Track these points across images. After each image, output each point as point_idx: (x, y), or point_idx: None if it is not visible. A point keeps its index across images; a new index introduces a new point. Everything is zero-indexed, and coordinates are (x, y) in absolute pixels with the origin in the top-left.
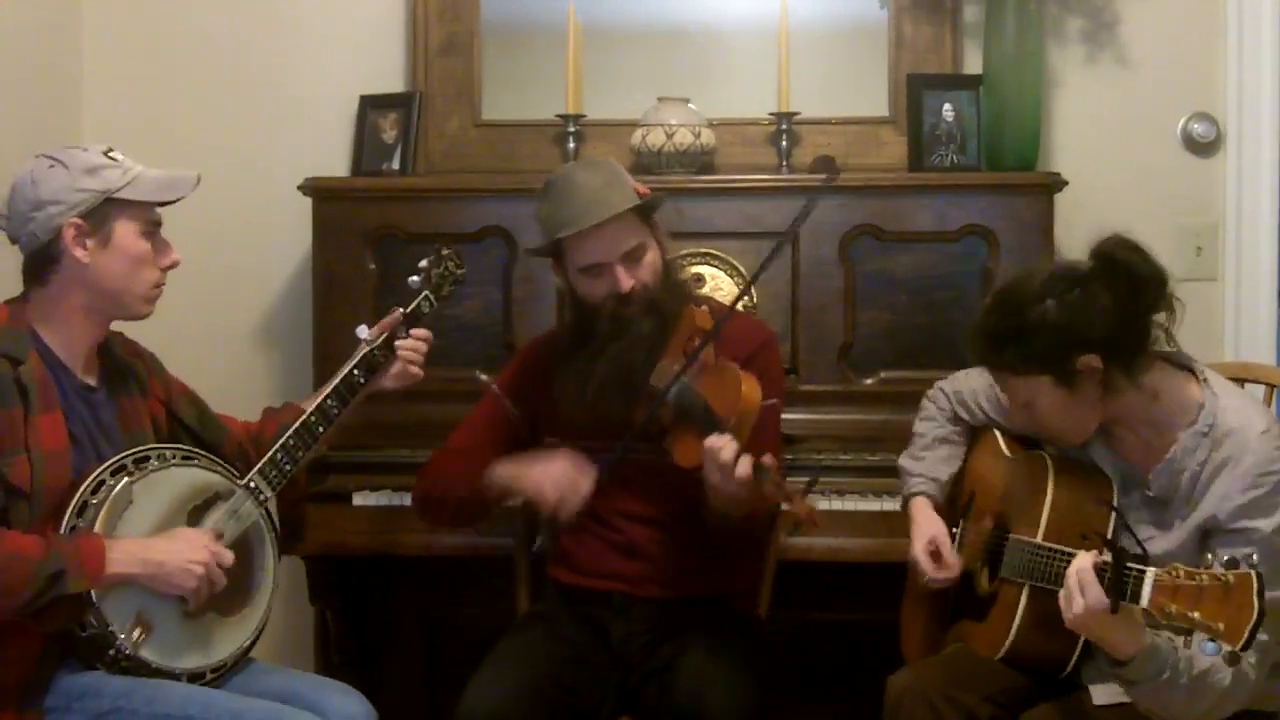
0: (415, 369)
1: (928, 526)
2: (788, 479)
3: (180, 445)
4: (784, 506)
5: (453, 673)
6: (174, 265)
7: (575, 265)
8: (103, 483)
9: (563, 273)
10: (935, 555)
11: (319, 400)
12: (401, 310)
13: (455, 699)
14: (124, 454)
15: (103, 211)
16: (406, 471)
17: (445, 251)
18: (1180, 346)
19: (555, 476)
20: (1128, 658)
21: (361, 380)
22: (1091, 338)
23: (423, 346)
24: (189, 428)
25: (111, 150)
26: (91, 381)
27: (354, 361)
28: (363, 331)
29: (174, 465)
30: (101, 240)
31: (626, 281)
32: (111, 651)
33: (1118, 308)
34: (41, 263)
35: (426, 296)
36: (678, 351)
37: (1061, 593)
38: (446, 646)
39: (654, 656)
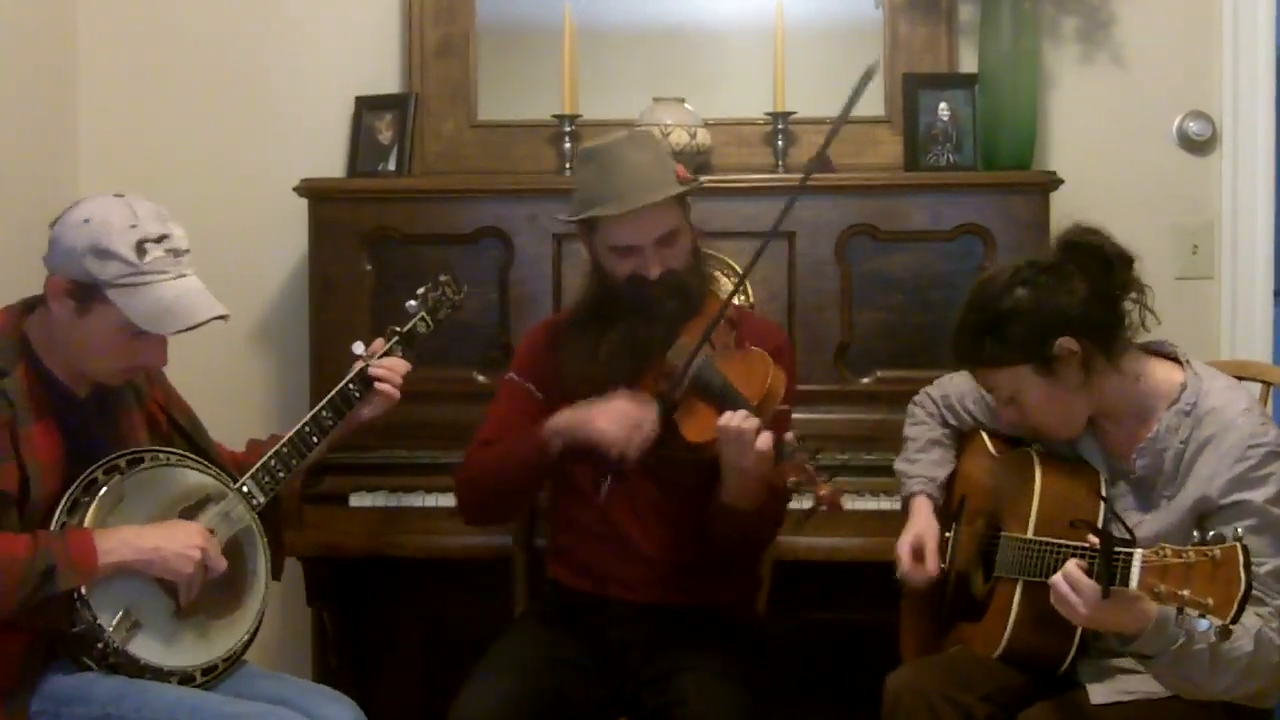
0: (391, 389)
1: (918, 524)
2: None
3: (174, 449)
4: (801, 485)
5: (450, 673)
6: (153, 367)
7: (607, 243)
8: (94, 480)
9: (589, 243)
10: (918, 554)
11: (315, 410)
12: (397, 329)
13: (452, 700)
14: (117, 454)
15: (88, 291)
16: (403, 472)
17: (444, 278)
18: (1159, 323)
19: (618, 415)
20: (1139, 631)
21: (357, 394)
22: (1066, 320)
23: (400, 366)
24: (186, 433)
25: (157, 242)
26: (83, 393)
27: (350, 375)
28: (359, 348)
29: (167, 465)
30: (80, 311)
31: (656, 268)
32: (100, 646)
33: (1089, 287)
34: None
35: (423, 318)
36: (698, 333)
37: (1055, 599)
38: (443, 647)
39: (651, 663)
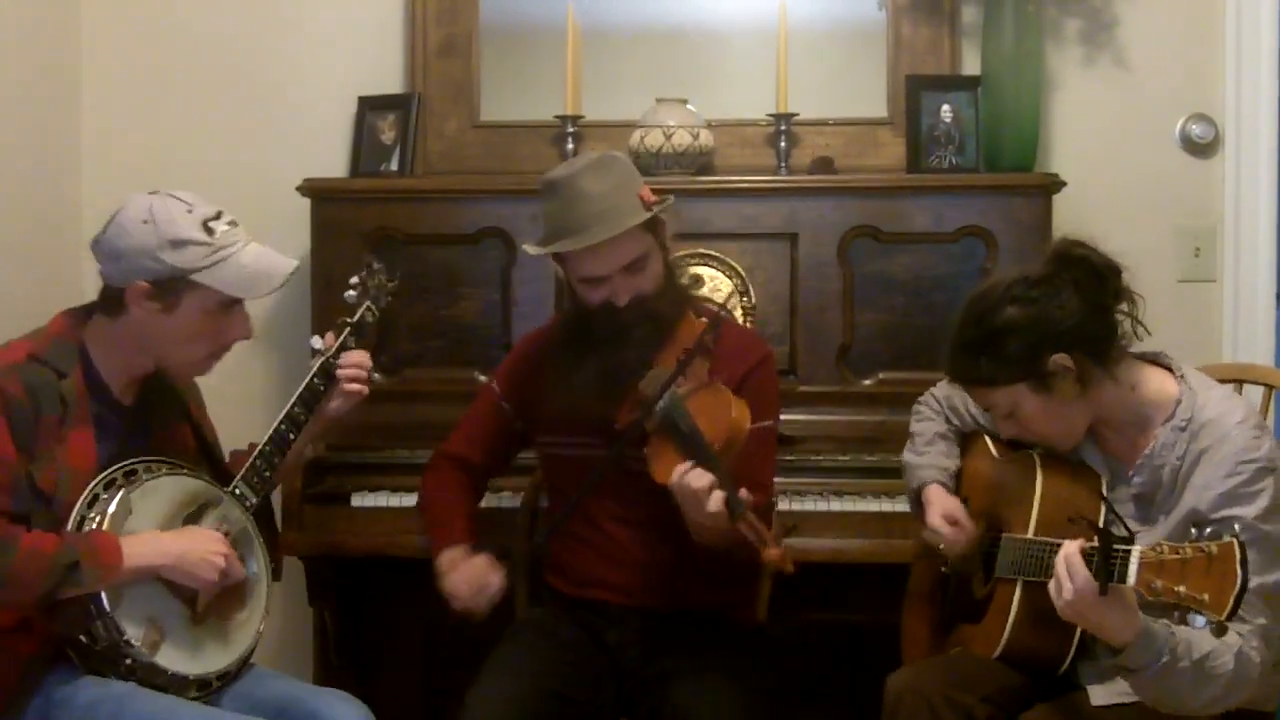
0: (359, 386)
1: (943, 503)
2: (775, 509)
3: (164, 459)
4: (753, 545)
5: (450, 674)
6: (241, 339)
7: (575, 274)
8: (97, 496)
9: (562, 270)
10: (952, 524)
11: (288, 408)
12: (347, 320)
13: (453, 700)
14: (112, 469)
15: (174, 284)
16: (405, 472)
17: (375, 266)
18: (1150, 334)
19: (465, 577)
20: (1124, 644)
21: (322, 388)
22: (1059, 335)
23: (366, 361)
24: (209, 454)
25: (216, 219)
26: (128, 402)
27: (313, 371)
28: (316, 342)
29: (163, 475)
30: (166, 308)
31: (624, 296)
32: (128, 661)
33: (1080, 301)
34: (111, 299)
35: (368, 307)
36: (672, 360)
37: (1051, 582)
38: (444, 647)
39: (650, 665)
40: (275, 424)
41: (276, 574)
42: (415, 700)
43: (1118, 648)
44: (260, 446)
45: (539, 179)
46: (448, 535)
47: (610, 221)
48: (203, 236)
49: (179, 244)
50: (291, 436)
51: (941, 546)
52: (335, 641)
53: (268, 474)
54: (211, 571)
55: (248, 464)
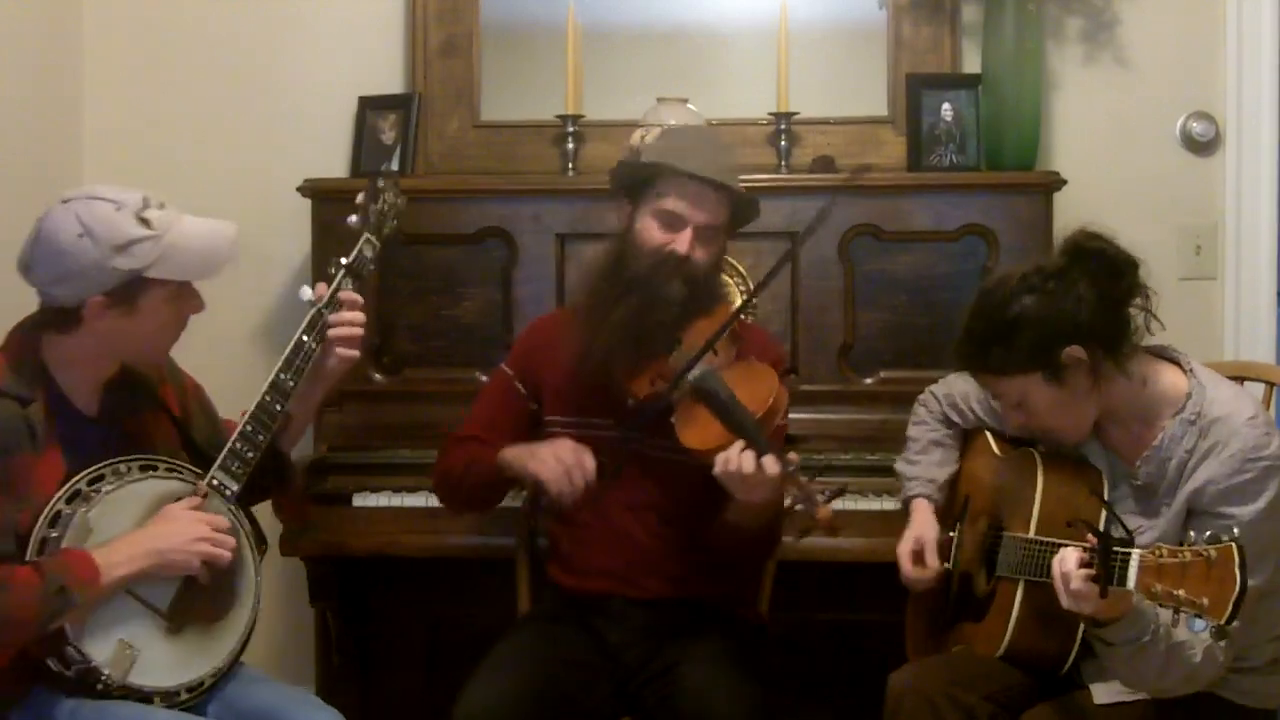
0: (350, 349)
1: (918, 527)
2: (814, 481)
3: (141, 455)
4: (800, 507)
5: (453, 673)
6: (196, 312)
7: (657, 203)
8: (59, 513)
9: (631, 203)
10: (918, 556)
11: (273, 376)
12: (343, 260)
13: (454, 700)
14: (78, 477)
15: (130, 288)
16: (407, 472)
17: (381, 183)
18: (1164, 328)
19: (555, 460)
20: (1110, 619)
21: (315, 345)
22: (1074, 327)
23: (359, 317)
24: (197, 447)
25: (147, 207)
26: (93, 413)
27: (303, 327)
28: (305, 293)
29: (131, 481)
30: (126, 312)
31: (687, 249)
32: (100, 685)
33: (1095, 294)
34: (61, 319)
35: (368, 239)
36: (701, 340)
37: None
38: (447, 647)
39: (653, 660)
40: (260, 396)
41: (262, 544)
42: (417, 700)
43: (1102, 621)
44: (241, 426)
45: (664, 125)
46: (492, 447)
47: (729, 172)
48: (143, 231)
49: (124, 247)
50: (278, 407)
51: (901, 579)
52: (337, 641)
53: (250, 454)
54: (193, 559)
55: (226, 448)
